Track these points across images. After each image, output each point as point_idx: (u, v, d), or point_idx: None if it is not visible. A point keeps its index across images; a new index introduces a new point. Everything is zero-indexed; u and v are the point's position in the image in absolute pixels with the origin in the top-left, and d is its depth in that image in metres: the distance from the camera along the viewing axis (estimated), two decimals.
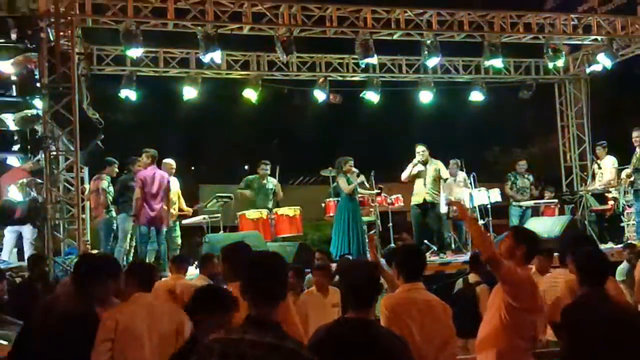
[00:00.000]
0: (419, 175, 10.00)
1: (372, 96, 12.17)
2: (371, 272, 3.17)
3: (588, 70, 12.29)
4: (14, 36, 7.90)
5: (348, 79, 12.33)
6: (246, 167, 21.30)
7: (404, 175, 10.12)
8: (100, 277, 3.87)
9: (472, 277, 6.32)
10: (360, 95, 12.35)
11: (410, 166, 10.10)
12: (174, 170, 10.14)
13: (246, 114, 14.44)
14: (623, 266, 7.45)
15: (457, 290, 6.60)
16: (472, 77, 12.71)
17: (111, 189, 9.52)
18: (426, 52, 10.15)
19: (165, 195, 9.27)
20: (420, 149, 10.06)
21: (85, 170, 10.40)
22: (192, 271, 7.41)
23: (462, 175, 11.80)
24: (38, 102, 8.59)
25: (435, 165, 10.34)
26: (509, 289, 3.80)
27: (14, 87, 8.07)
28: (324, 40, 10.92)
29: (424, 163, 10.09)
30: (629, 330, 3.47)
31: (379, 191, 10.64)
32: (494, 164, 17.12)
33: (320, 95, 12.00)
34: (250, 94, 11.63)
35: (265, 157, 11.09)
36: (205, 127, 15.53)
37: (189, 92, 11.30)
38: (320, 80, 11.92)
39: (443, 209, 10.48)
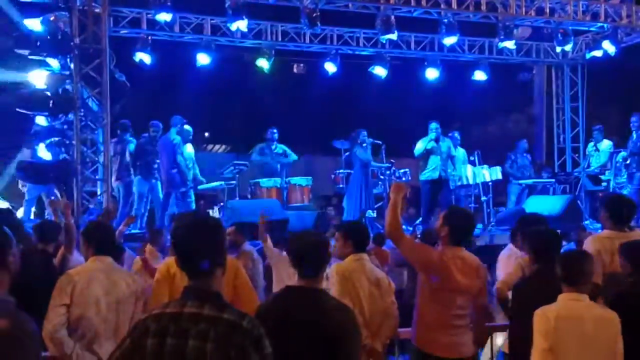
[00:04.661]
0: (432, 151, 10.27)
1: (380, 71, 12.33)
2: (318, 241, 3.14)
3: (588, 56, 12.70)
4: None
5: (357, 52, 12.47)
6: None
7: (418, 151, 10.36)
8: None
9: None
10: (369, 69, 12.50)
11: (423, 142, 10.34)
12: (190, 137, 10.22)
13: (255, 84, 14.52)
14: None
15: None
16: (476, 57, 13.00)
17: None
18: (444, 30, 10.38)
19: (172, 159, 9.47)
20: (434, 126, 10.33)
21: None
22: None
23: (462, 151, 12.14)
24: (54, 62, 8.57)
25: (447, 142, 10.65)
26: (417, 265, 3.99)
27: (44, 45, 7.98)
28: (336, 13, 11.03)
29: (437, 140, 10.37)
30: None
31: (391, 165, 10.93)
32: None
33: (331, 68, 12.11)
34: (263, 63, 11.69)
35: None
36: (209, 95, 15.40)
37: (203, 59, 11.28)
38: (332, 53, 12.02)
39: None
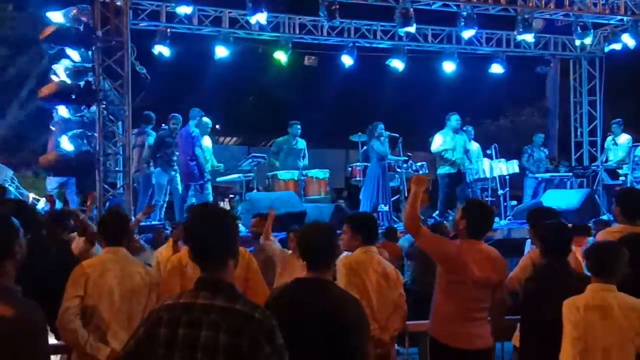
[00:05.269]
0: (452, 145, 10.28)
1: (397, 64, 12.31)
2: (328, 234, 3.16)
3: (607, 49, 12.61)
4: None
5: (375, 45, 12.46)
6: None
7: (438, 149, 10.34)
8: None
9: None
10: (383, 62, 12.48)
11: (443, 137, 10.33)
12: (209, 129, 10.30)
13: (267, 76, 14.62)
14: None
15: None
16: (493, 50, 12.93)
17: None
18: (462, 23, 10.35)
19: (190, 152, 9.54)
20: (454, 118, 10.33)
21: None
22: None
23: (475, 145, 12.09)
24: (74, 54, 8.66)
25: (464, 135, 10.66)
26: (435, 258, 3.99)
27: (67, 38, 8.07)
28: (353, 5, 11.02)
29: (456, 132, 10.38)
30: None
31: (407, 158, 10.94)
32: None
33: (347, 61, 12.10)
34: (281, 56, 11.71)
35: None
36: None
37: (221, 51, 11.31)
38: (349, 45, 12.00)
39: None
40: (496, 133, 16.27)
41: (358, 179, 11.04)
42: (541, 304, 3.74)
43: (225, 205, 11.01)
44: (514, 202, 12.18)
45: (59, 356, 4.04)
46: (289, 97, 16.62)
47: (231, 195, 12.01)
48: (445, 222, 10.18)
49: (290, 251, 6.07)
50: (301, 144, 10.87)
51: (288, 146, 10.84)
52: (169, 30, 10.78)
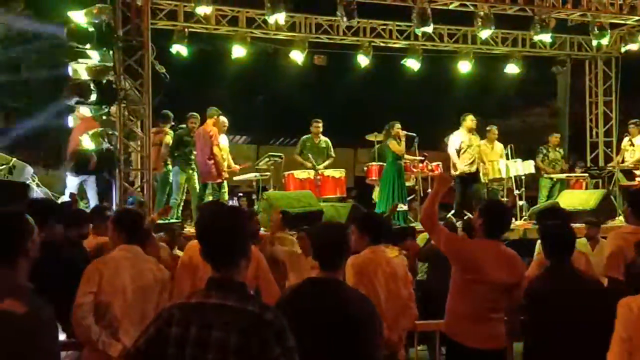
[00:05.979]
0: (469, 145, 10.30)
1: (412, 64, 12.34)
2: (340, 234, 3.17)
3: (623, 49, 12.58)
4: None
5: (390, 45, 12.48)
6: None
7: (455, 149, 10.34)
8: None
9: None
10: (401, 62, 12.50)
11: (459, 137, 10.34)
12: (226, 128, 10.35)
13: (282, 76, 14.70)
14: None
15: None
16: (509, 50, 12.94)
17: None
18: (480, 24, 10.36)
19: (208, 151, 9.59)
20: (469, 118, 10.34)
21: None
22: None
23: (499, 145, 12.00)
24: (94, 54, 8.73)
25: (477, 136, 10.69)
26: (449, 256, 3.98)
27: (89, 37, 8.14)
28: (370, 5, 11.04)
29: (470, 132, 10.40)
30: (588, 301, 3.56)
31: (423, 158, 10.94)
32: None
33: (363, 61, 12.13)
34: (297, 56, 11.75)
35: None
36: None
37: (238, 51, 11.38)
38: (365, 45, 12.04)
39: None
40: (506, 133, 16.25)
41: (373, 178, 11.06)
42: (543, 304, 3.74)
43: (234, 204, 11.07)
44: (522, 203, 12.15)
45: (64, 353, 4.09)
46: (299, 96, 16.65)
47: (240, 194, 12.02)
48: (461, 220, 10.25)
49: (299, 251, 5.97)
50: (323, 142, 10.86)
51: (311, 144, 10.84)
52: (186, 29, 10.86)
